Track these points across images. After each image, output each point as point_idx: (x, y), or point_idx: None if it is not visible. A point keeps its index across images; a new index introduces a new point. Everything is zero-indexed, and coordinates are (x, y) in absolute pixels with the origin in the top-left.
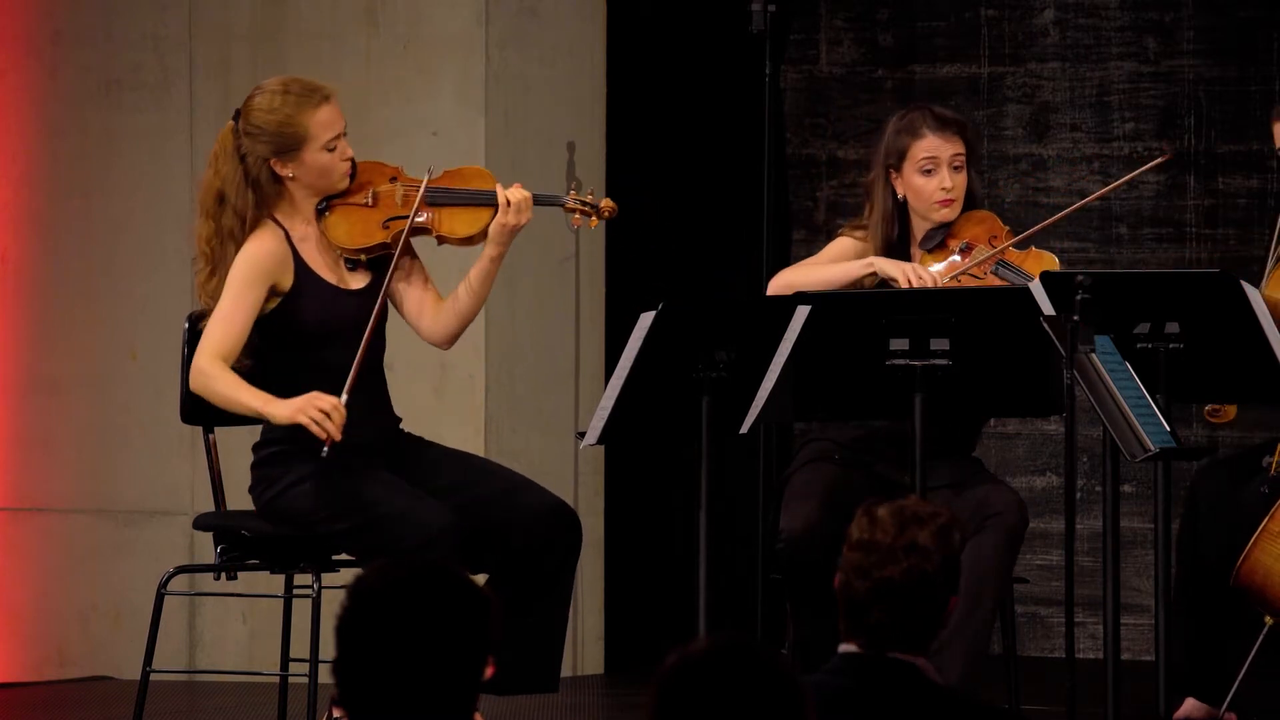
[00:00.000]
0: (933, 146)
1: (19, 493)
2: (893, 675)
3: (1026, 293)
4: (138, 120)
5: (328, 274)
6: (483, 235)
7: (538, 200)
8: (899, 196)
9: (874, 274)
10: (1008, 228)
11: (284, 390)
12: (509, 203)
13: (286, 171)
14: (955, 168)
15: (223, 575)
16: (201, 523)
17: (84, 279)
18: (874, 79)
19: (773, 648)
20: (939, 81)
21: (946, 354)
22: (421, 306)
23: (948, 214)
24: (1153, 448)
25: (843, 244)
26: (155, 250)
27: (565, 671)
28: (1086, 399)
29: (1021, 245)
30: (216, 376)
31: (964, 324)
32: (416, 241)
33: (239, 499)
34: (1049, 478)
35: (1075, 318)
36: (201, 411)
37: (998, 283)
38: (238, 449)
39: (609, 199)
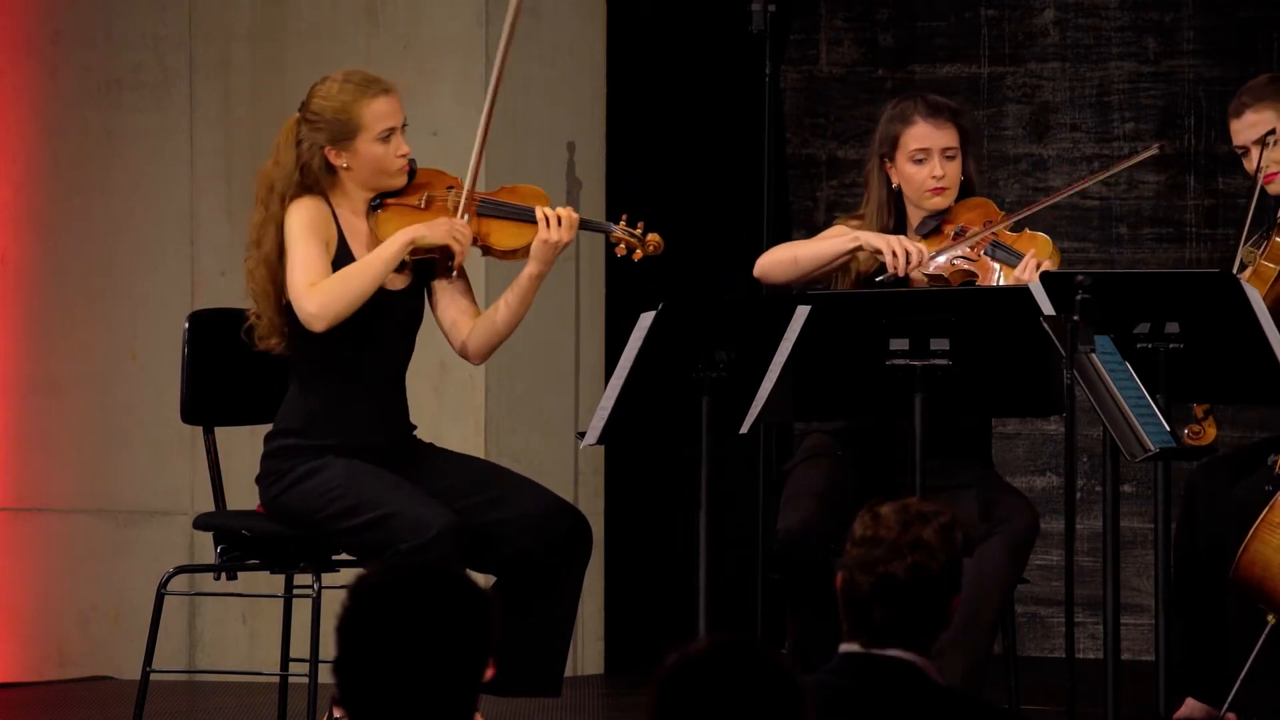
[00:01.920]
0: (924, 135)
1: (19, 493)
2: (893, 675)
3: (1026, 293)
4: (138, 120)
5: None
6: (526, 251)
7: (585, 225)
8: (893, 185)
9: (860, 248)
10: (1003, 213)
11: (315, 382)
12: (550, 220)
13: (341, 161)
14: (948, 157)
15: (223, 575)
16: (201, 523)
17: (84, 279)
18: (874, 79)
19: (773, 648)
20: (939, 81)
21: (946, 354)
22: (459, 318)
23: (940, 202)
24: (1153, 448)
25: (838, 230)
26: (155, 250)
27: (565, 672)
28: (1086, 399)
29: (1015, 228)
30: (337, 281)
31: (964, 324)
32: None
33: (239, 499)
34: (1049, 478)
35: (1075, 318)
36: (201, 411)
37: (991, 264)
38: (238, 449)
39: (656, 234)
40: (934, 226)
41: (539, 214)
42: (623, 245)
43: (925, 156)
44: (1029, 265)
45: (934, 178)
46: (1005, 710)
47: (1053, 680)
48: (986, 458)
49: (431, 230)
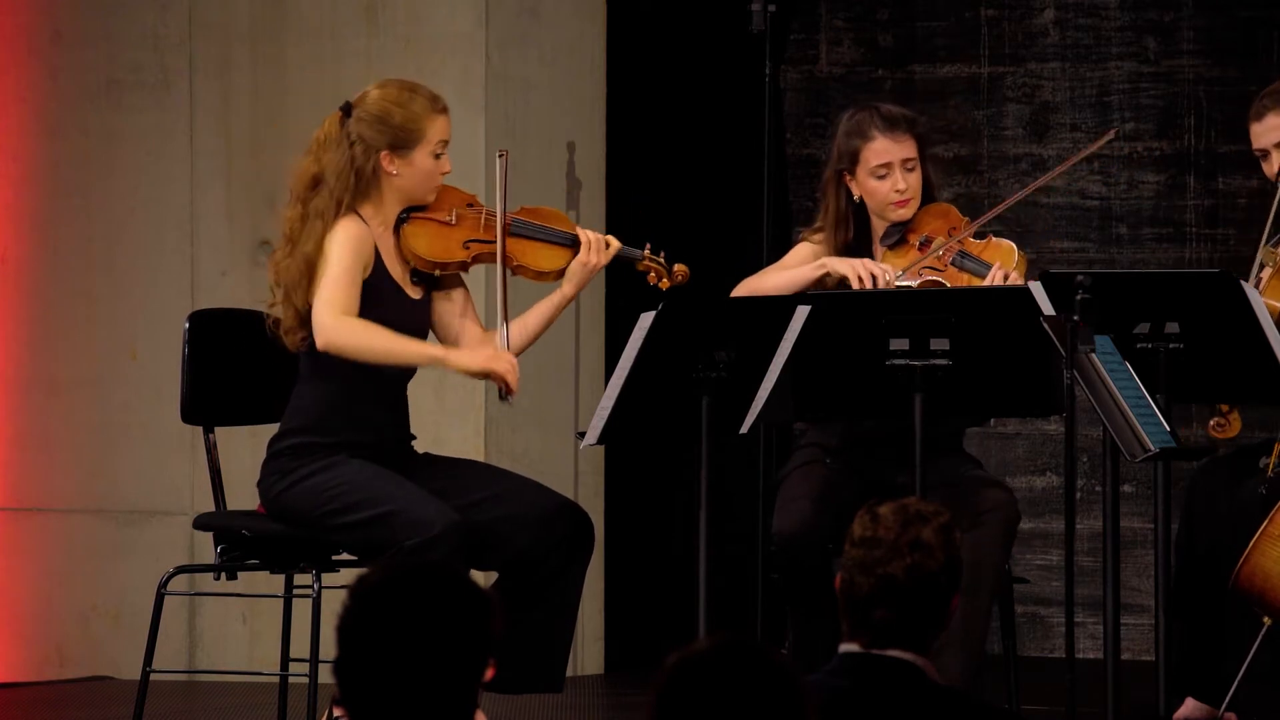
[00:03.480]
0: (884, 150)
1: (19, 493)
2: (893, 675)
3: (1026, 293)
4: (138, 120)
5: (400, 280)
6: (558, 275)
7: (620, 254)
8: (855, 198)
9: (828, 274)
10: (966, 218)
11: (330, 380)
12: (591, 242)
13: (393, 169)
14: (908, 169)
15: (223, 575)
16: (201, 523)
17: (84, 279)
18: (874, 79)
19: (773, 648)
20: (939, 81)
21: (946, 354)
22: (459, 336)
23: (904, 214)
24: (1153, 448)
25: (801, 251)
26: (155, 250)
27: (566, 672)
28: (1086, 399)
29: (979, 234)
30: (368, 329)
31: (964, 324)
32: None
33: (239, 499)
34: (1049, 478)
35: (1075, 318)
36: (201, 411)
37: (958, 274)
38: (238, 449)
39: (683, 265)
40: (899, 237)
41: (583, 237)
42: (653, 273)
43: (887, 171)
44: (996, 276)
45: (897, 191)
46: (1005, 710)
47: (1053, 680)
48: (958, 447)
49: (472, 360)
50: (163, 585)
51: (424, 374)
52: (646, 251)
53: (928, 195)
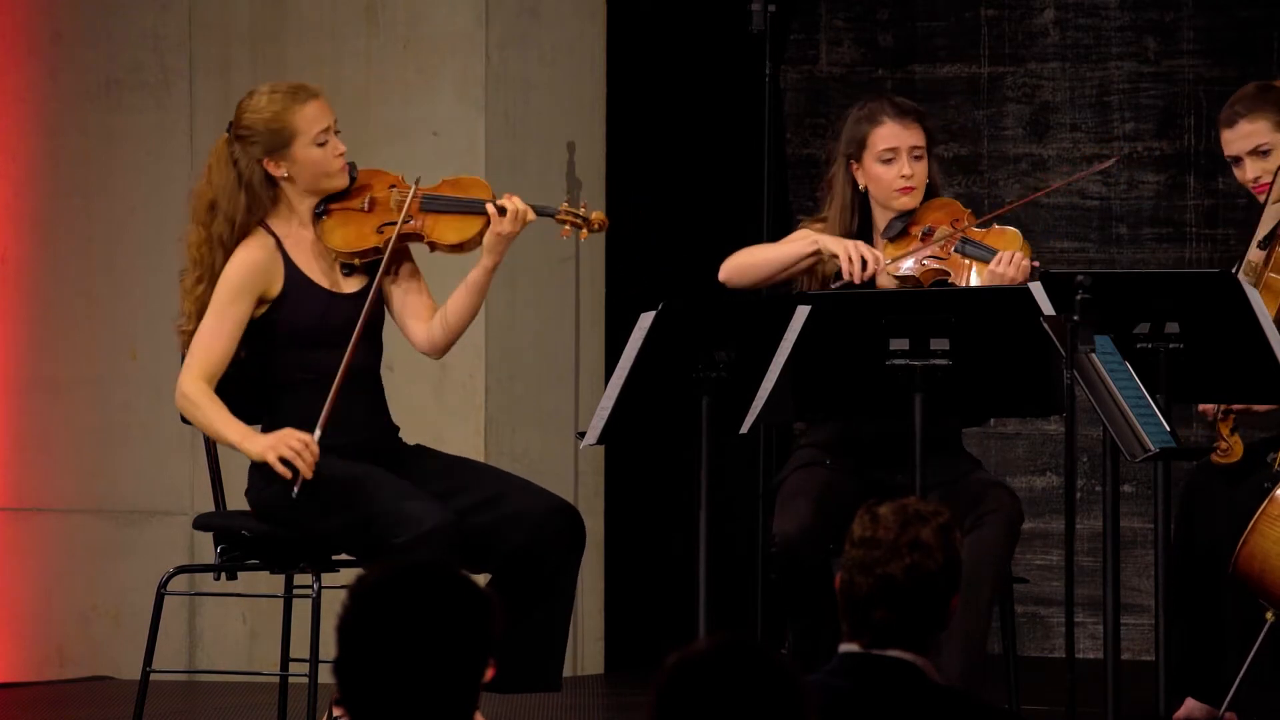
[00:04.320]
0: (892, 135)
1: (19, 493)
2: (893, 675)
3: (1026, 293)
4: (138, 120)
5: (321, 278)
6: (474, 243)
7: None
8: (860, 187)
9: (819, 251)
10: (969, 210)
11: (278, 391)
12: (501, 211)
13: (280, 171)
14: (915, 157)
15: (223, 575)
16: (201, 523)
17: (84, 279)
18: (874, 79)
19: (773, 648)
20: (939, 81)
21: (946, 354)
22: (412, 313)
23: (908, 201)
24: (1153, 448)
25: (801, 234)
26: (155, 250)
27: (565, 671)
28: (1086, 399)
29: (983, 225)
30: (200, 404)
31: (964, 324)
32: (415, 250)
33: (239, 499)
34: (1049, 478)
35: (1075, 318)
36: None
37: (961, 262)
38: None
39: (600, 211)
40: (901, 228)
41: (489, 208)
42: (569, 226)
43: (894, 156)
44: (1004, 259)
45: (903, 177)
46: (1005, 710)
47: (1053, 680)
48: (958, 448)
49: (253, 446)
50: (163, 585)
51: (424, 374)
52: (564, 205)
53: (931, 191)
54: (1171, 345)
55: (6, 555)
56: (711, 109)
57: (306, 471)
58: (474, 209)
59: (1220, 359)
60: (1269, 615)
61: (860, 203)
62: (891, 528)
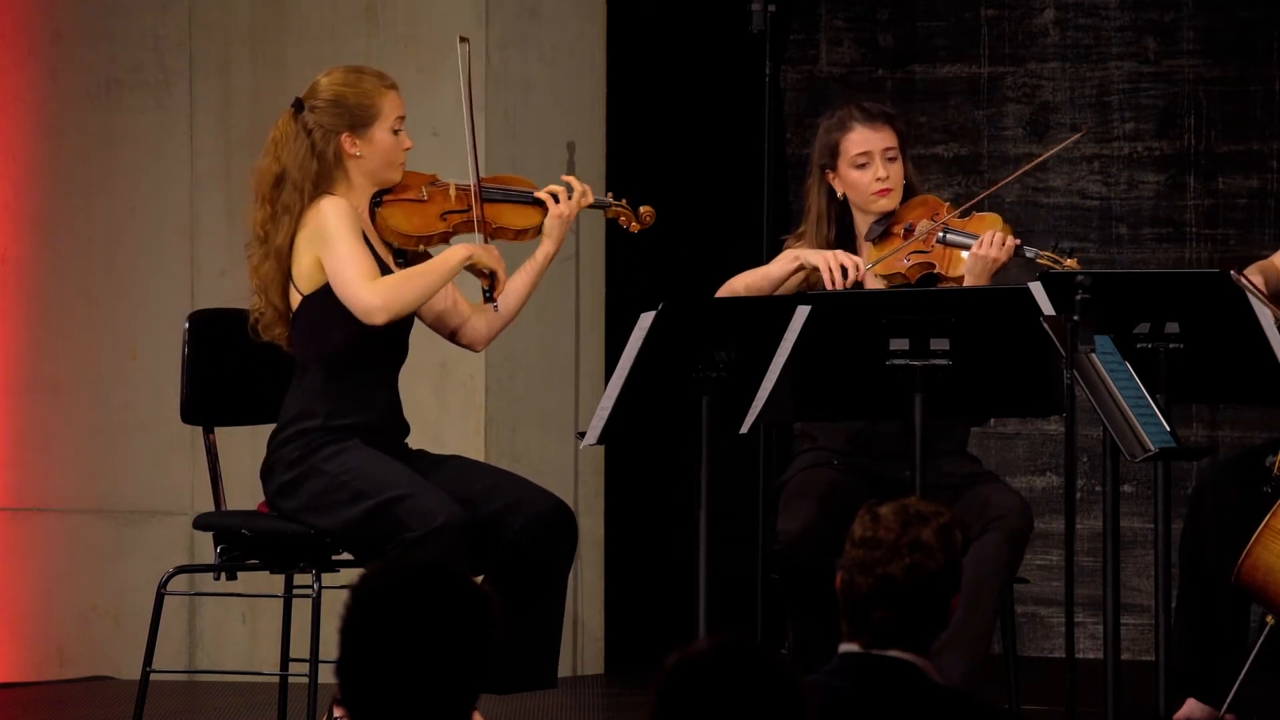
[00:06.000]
0: (863, 139)
1: (19, 493)
2: (893, 675)
3: (1026, 293)
4: (138, 120)
5: (384, 258)
6: (535, 231)
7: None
8: (838, 195)
9: (802, 267)
10: (948, 204)
11: (330, 370)
12: (559, 196)
13: (355, 150)
14: (889, 159)
15: (223, 575)
16: (201, 523)
17: (84, 279)
18: (874, 79)
19: (773, 648)
20: (939, 81)
21: (946, 354)
22: (445, 312)
23: (886, 204)
24: (1153, 448)
25: (786, 255)
26: (155, 250)
27: (565, 671)
28: (1086, 399)
29: (963, 215)
30: (394, 284)
31: (964, 324)
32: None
33: (239, 499)
34: (1049, 478)
35: (1075, 318)
36: (201, 411)
37: (944, 251)
38: (238, 449)
39: (649, 206)
40: (882, 230)
41: (544, 195)
42: (622, 218)
43: (867, 160)
44: (986, 240)
45: (878, 179)
46: (1005, 710)
47: (1053, 680)
48: (963, 449)
49: (487, 253)
50: (163, 585)
51: (424, 374)
52: (611, 197)
53: (910, 191)
54: (1171, 345)
55: (6, 555)
56: (711, 109)
57: (502, 276)
58: (528, 199)
59: (1220, 359)
60: (1269, 620)
61: (838, 212)
62: (892, 528)
